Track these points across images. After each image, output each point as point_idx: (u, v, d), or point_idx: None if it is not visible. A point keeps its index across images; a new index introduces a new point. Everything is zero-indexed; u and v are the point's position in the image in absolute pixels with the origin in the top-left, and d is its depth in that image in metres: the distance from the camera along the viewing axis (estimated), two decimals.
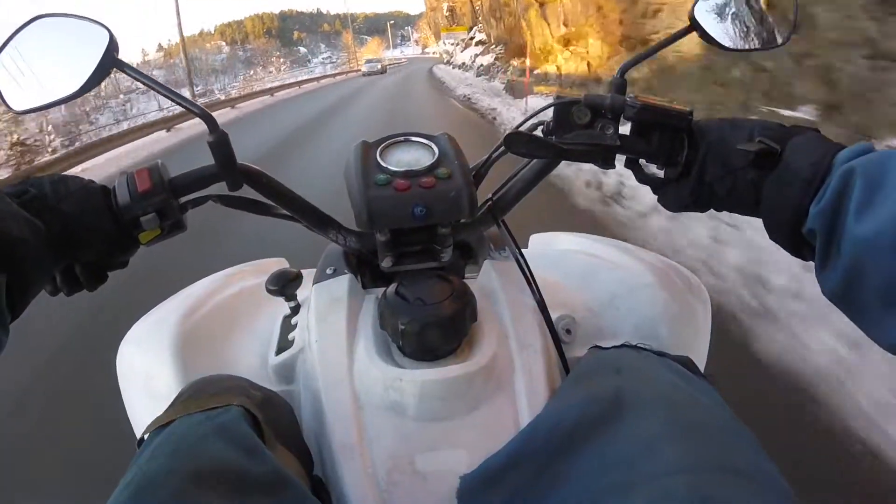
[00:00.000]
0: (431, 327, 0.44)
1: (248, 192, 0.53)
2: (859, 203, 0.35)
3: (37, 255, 0.39)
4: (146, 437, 0.41)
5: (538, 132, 0.52)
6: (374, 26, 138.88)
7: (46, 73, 0.46)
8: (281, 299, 0.60)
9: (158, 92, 0.47)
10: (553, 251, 0.75)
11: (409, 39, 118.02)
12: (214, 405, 0.41)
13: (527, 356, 0.47)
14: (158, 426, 0.40)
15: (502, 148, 0.52)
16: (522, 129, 0.52)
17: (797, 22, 0.50)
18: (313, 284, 0.56)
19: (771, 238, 0.43)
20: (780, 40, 0.52)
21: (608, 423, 0.36)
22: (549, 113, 0.51)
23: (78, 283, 0.46)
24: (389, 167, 0.49)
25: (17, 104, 0.46)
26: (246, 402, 0.42)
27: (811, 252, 0.40)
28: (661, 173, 0.51)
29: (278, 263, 0.81)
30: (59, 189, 0.44)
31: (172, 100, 0.48)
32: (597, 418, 0.36)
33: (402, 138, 0.54)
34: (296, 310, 0.60)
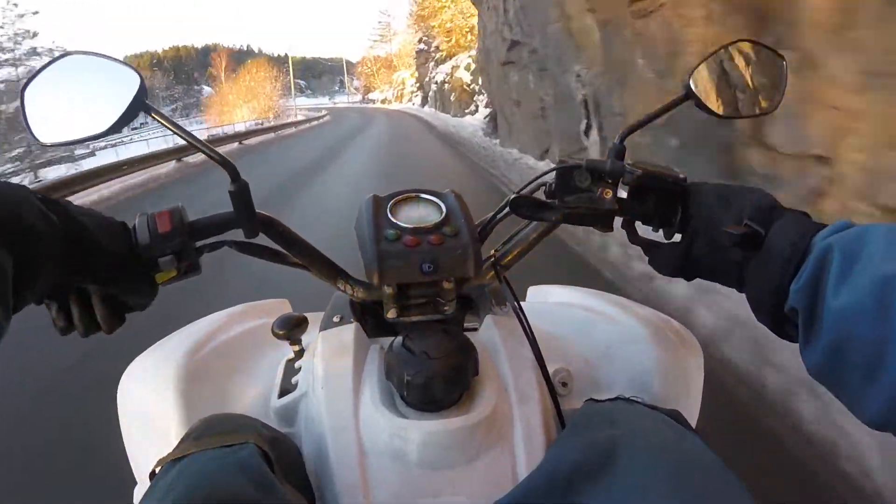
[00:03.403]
0: (436, 380, 0.51)
1: (261, 239, 0.60)
2: (837, 277, 0.41)
3: (47, 247, 0.43)
4: (157, 470, 0.46)
5: (541, 192, 0.62)
6: (312, 71, 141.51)
7: (74, 109, 0.53)
8: (284, 342, 0.66)
9: (183, 137, 0.54)
10: (550, 304, 0.85)
11: (344, 87, 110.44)
12: (231, 442, 0.47)
13: (525, 409, 0.55)
14: (172, 459, 0.46)
15: (507, 209, 0.62)
16: (526, 189, 0.63)
17: (785, 89, 0.63)
18: (320, 331, 0.63)
19: (756, 318, 0.51)
20: (770, 106, 0.64)
21: (604, 473, 0.43)
22: (552, 175, 0.61)
23: (95, 323, 0.51)
24: (399, 223, 0.58)
25: (45, 137, 0.51)
26: (259, 440, 0.48)
27: (795, 331, 0.46)
28: (654, 236, 0.61)
29: (281, 304, 0.89)
30: (83, 209, 0.50)
31: (195, 146, 0.55)
32: (593, 468, 0.43)
33: (412, 195, 0.63)
34: (300, 354, 0.67)
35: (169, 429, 0.63)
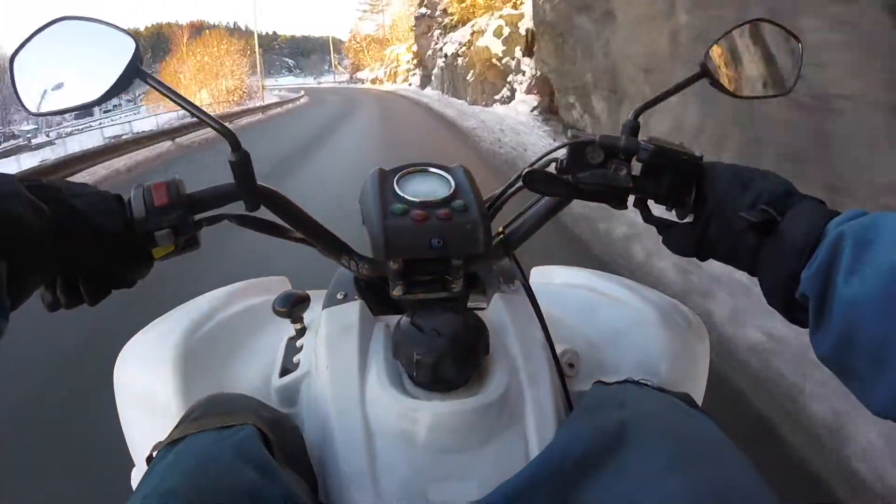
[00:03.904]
0: (447, 359, 0.50)
1: (262, 213, 0.59)
2: (848, 265, 0.42)
3: (40, 242, 0.42)
4: (155, 454, 0.45)
5: (551, 168, 0.61)
6: (301, 49, 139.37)
7: (66, 76, 0.51)
8: (285, 320, 0.66)
9: (180, 105, 0.53)
10: (556, 285, 0.85)
11: (331, 67, 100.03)
12: (229, 423, 0.46)
13: (537, 390, 0.54)
14: (170, 442, 0.45)
15: (519, 184, 0.60)
16: (537, 165, 0.61)
17: (801, 70, 0.62)
18: (323, 309, 0.62)
19: (768, 302, 0.51)
20: (785, 87, 0.63)
21: (614, 456, 0.43)
22: (564, 150, 0.59)
23: (79, 296, 0.49)
24: (406, 196, 0.57)
25: (34, 105, 0.50)
26: (258, 422, 0.47)
27: (806, 317, 0.47)
28: (667, 215, 0.60)
29: (281, 282, 0.89)
30: (73, 187, 0.48)
31: (194, 114, 0.53)
32: (603, 450, 0.44)
33: (419, 168, 0.62)
34: (301, 332, 0.66)
35: (168, 409, 0.62)
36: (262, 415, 0.50)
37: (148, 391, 0.66)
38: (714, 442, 0.45)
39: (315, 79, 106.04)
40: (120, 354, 0.73)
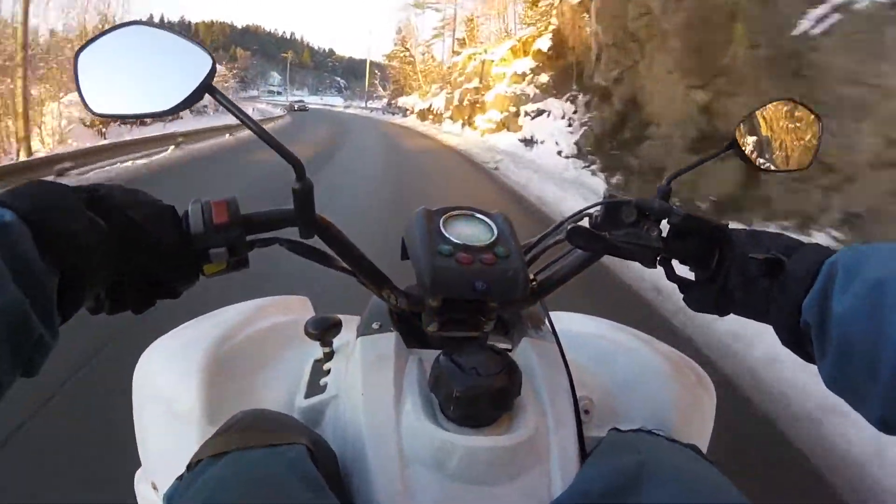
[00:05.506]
0: (484, 397, 0.52)
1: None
2: (840, 287, 0.45)
3: (96, 258, 0.43)
4: (195, 462, 0.47)
5: (585, 222, 0.65)
6: (355, 70, 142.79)
7: (133, 82, 0.51)
8: (310, 341, 0.68)
9: (249, 127, 0.53)
10: (572, 332, 0.87)
11: (386, 89, 76.79)
12: (279, 441, 0.48)
13: (562, 434, 0.57)
14: (214, 454, 0.47)
15: (560, 237, 0.65)
16: (574, 219, 0.66)
17: (819, 148, 0.66)
18: (358, 336, 0.65)
19: (782, 343, 0.53)
20: (804, 163, 0.67)
21: (634, 492, 0.46)
22: (598, 207, 0.64)
23: (123, 303, 0.50)
24: (452, 238, 0.60)
25: (98, 107, 0.50)
26: (308, 442, 0.49)
27: (813, 350, 0.49)
28: (689, 275, 0.64)
29: (301, 302, 0.93)
30: (129, 197, 0.49)
31: (262, 138, 0.54)
32: (622, 488, 0.47)
33: (465, 212, 0.65)
34: (329, 356, 0.68)
35: (190, 417, 0.64)
36: (308, 435, 0.52)
37: (170, 396, 0.68)
38: (726, 491, 0.47)
39: (345, 101, 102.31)
40: (143, 356, 0.75)
